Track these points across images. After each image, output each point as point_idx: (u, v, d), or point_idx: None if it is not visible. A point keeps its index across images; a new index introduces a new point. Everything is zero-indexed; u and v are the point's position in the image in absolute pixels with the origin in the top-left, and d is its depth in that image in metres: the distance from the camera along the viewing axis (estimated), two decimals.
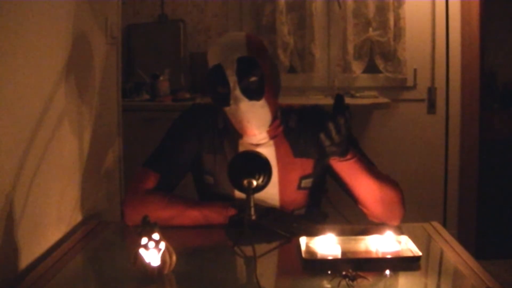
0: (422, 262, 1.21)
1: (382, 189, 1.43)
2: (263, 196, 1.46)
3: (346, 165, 1.42)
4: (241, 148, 1.52)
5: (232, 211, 1.45)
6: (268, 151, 1.50)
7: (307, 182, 1.54)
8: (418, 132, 3.35)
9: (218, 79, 1.43)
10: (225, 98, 1.43)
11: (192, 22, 3.42)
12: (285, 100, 1.67)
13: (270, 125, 1.50)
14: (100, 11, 1.90)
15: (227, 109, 1.45)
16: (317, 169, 1.55)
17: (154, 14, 3.44)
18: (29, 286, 1.14)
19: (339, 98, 1.27)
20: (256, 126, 1.46)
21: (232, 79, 1.41)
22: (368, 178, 1.42)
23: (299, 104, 1.64)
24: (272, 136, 1.52)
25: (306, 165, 1.54)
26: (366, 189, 1.44)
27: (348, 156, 1.39)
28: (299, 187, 1.53)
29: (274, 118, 1.51)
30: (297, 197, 1.54)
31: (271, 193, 1.49)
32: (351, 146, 1.40)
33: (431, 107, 3.34)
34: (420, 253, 1.22)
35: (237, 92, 1.41)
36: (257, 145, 1.51)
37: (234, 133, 1.53)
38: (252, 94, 1.42)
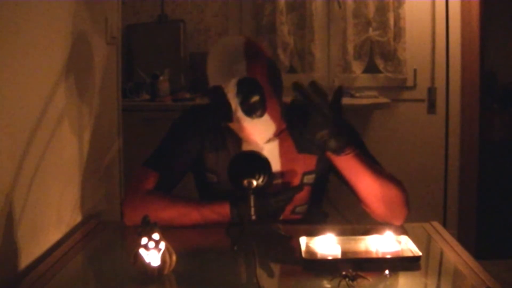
0: (422, 262, 1.21)
1: (383, 187, 1.42)
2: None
3: (344, 160, 1.41)
4: (244, 144, 1.52)
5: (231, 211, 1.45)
6: (272, 146, 1.51)
7: (309, 178, 1.55)
8: (418, 132, 3.34)
9: (220, 99, 1.43)
10: (228, 116, 1.44)
11: (192, 22, 3.42)
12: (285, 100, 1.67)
13: (275, 132, 1.51)
14: (100, 11, 1.90)
15: (230, 124, 1.47)
16: (320, 165, 1.55)
17: (154, 14, 3.44)
18: (29, 286, 1.14)
19: (338, 92, 1.33)
20: (259, 138, 1.48)
21: (234, 101, 1.42)
22: (369, 175, 1.42)
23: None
24: (277, 133, 1.53)
25: (309, 161, 1.54)
26: (367, 187, 1.43)
27: (347, 151, 1.39)
28: (302, 183, 1.54)
29: (278, 122, 1.51)
30: (300, 193, 1.54)
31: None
32: (350, 141, 1.40)
33: (431, 107, 3.34)
34: (420, 253, 1.21)
35: (239, 113, 1.42)
36: None
37: None
38: (254, 112, 1.43)
